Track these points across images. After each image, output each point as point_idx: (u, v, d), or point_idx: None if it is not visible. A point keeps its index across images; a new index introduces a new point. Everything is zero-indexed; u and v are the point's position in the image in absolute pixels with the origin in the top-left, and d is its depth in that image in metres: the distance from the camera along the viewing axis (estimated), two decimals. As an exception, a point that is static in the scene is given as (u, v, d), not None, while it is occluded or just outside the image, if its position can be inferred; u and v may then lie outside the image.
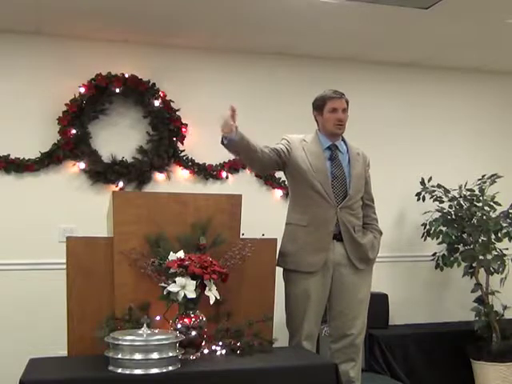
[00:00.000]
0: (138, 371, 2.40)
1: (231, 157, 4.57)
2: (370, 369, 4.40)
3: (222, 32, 4.31)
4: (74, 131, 4.25)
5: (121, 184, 4.35)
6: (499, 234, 4.49)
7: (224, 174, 4.57)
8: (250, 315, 2.86)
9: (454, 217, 4.62)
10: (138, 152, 4.44)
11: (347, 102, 3.34)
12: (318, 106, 3.34)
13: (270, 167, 3.31)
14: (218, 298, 2.70)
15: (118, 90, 4.33)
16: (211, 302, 2.68)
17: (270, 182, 4.67)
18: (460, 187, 4.65)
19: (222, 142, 3.05)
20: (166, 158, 4.44)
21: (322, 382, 2.63)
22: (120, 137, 4.40)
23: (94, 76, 4.30)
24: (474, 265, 4.57)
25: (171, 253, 2.74)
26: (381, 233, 3.43)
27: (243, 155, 3.17)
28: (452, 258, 4.59)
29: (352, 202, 3.28)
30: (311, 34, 4.34)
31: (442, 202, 4.66)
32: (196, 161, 4.53)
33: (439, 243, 4.63)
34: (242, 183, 4.61)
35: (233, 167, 4.60)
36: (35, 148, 4.22)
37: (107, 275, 2.82)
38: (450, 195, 4.64)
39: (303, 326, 3.21)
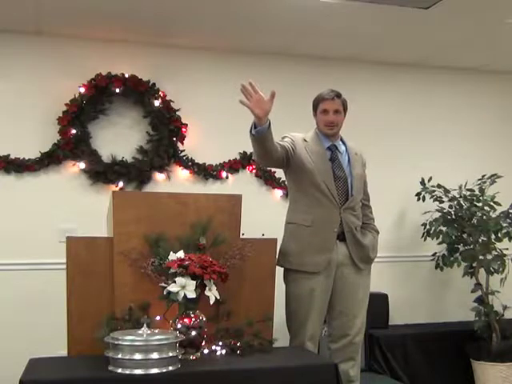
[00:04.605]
0: (138, 371, 2.40)
1: (231, 157, 4.61)
2: (370, 369, 4.40)
3: (222, 32, 4.31)
4: (74, 131, 4.25)
5: (121, 184, 4.35)
6: (499, 234, 4.49)
7: (224, 173, 4.57)
8: (250, 315, 2.85)
9: (454, 217, 4.62)
10: (138, 152, 4.44)
11: (343, 103, 3.31)
12: (313, 106, 3.35)
13: (277, 163, 3.23)
14: (218, 298, 2.69)
15: (118, 90, 4.33)
16: (211, 302, 2.68)
17: (270, 181, 4.67)
18: (460, 187, 4.65)
19: (251, 132, 2.92)
20: (166, 158, 4.44)
21: (321, 382, 2.63)
22: (120, 137, 4.41)
23: (94, 76, 4.30)
24: (474, 265, 4.57)
25: (171, 253, 2.74)
26: (378, 232, 3.43)
27: (264, 147, 2.98)
28: (452, 258, 4.59)
29: (354, 202, 3.28)
30: (311, 34, 4.34)
31: (442, 202, 4.66)
32: (196, 161, 4.53)
33: (439, 243, 4.63)
34: (241, 183, 4.61)
35: (233, 167, 4.60)
36: (35, 148, 4.23)
37: (107, 275, 2.81)
38: (450, 195, 4.64)
39: (306, 327, 3.19)
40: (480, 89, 5.19)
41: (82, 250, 2.82)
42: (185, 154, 4.51)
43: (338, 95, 3.29)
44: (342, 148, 3.37)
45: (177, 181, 4.49)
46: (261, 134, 2.90)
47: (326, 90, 3.31)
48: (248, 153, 4.55)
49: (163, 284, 2.67)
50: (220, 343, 2.78)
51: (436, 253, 4.72)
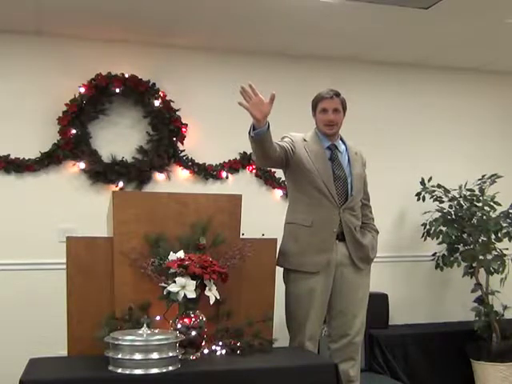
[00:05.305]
0: (138, 371, 2.40)
1: (231, 157, 4.61)
2: (370, 369, 4.40)
3: (221, 32, 4.31)
4: (74, 131, 4.25)
5: (121, 184, 4.35)
6: (499, 234, 4.49)
7: (224, 173, 4.57)
8: (250, 315, 2.85)
9: (454, 217, 4.62)
10: (138, 152, 4.44)
11: (343, 102, 3.30)
12: (312, 106, 3.34)
13: (276, 164, 3.23)
14: (218, 298, 2.69)
15: (118, 90, 4.33)
16: (211, 302, 2.68)
17: (270, 181, 4.67)
18: (460, 187, 4.66)
19: (249, 134, 2.91)
20: (166, 158, 4.44)
21: (322, 382, 2.63)
22: (120, 137, 4.41)
23: (94, 76, 4.30)
24: (474, 265, 4.57)
25: (171, 253, 2.74)
26: (377, 232, 3.43)
27: (263, 148, 2.97)
28: (452, 258, 4.60)
29: (354, 203, 3.27)
30: (311, 34, 4.34)
31: (442, 202, 4.67)
32: (196, 161, 4.53)
33: (439, 243, 4.63)
34: (241, 183, 4.61)
35: (233, 167, 4.60)
36: (35, 148, 4.23)
37: (107, 275, 2.81)
38: (450, 195, 4.64)
39: (306, 327, 3.19)
40: (480, 89, 5.19)
41: (82, 250, 2.82)
42: (185, 153, 4.51)
43: (337, 94, 3.29)
44: (342, 147, 3.36)
45: (177, 181, 4.49)
46: (260, 136, 2.89)
47: (325, 90, 3.31)
48: (248, 153, 4.54)
49: (163, 284, 2.67)
50: (220, 343, 2.78)
51: (436, 253, 4.72)
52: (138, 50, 4.44)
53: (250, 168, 4.64)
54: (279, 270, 3.22)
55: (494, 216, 4.53)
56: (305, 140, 3.30)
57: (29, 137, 4.23)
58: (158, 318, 2.72)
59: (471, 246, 4.56)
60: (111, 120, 4.41)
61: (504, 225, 4.51)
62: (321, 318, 3.26)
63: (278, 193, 4.68)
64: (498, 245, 4.53)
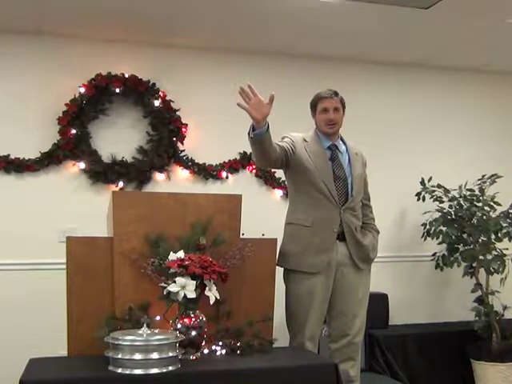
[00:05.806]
0: (137, 371, 2.40)
1: (231, 157, 4.61)
2: (370, 369, 4.40)
3: (222, 32, 4.31)
4: (73, 131, 4.26)
5: (121, 184, 4.35)
6: (499, 234, 4.49)
7: (224, 173, 4.57)
8: (250, 315, 2.85)
9: (454, 217, 4.62)
10: (138, 152, 4.44)
11: (342, 101, 3.31)
12: (312, 106, 3.34)
13: (276, 164, 3.22)
14: (218, 298, 2.70)
15: (118, 90, 4.34)
16: (211, 302, 2.68)
17: (270, 181, 4.67)
18: (460, 187, 4.66)
19: (249, 135, 2.91)
20: (166, 158, 4.44)
21: (322, 382, 2.63)
22: (120, 137, 4.41)
23: (94, 76, 4.30)
24: (474, 265, 4.57)
25: (171, 253, 2.74)
26: (378, 232, 3.43)
27: (262, 149, 2.97)
28: (452, 258, 4.60)
29: (354, 203, 3.27)
30: (311, 34, 4.34)
31: (442, 202, 4.67)
32: (196, 161, 4.53)
33: (439, 243, 4.63)
34: (241, 183, 4.61)
35: (233, 167, 4.60)
36: (35, 148, 4.23)
37: (107, 275, 2.81)
38: (450, 195, 4.64)
39: (306, 327, 3.19)
40: (480, 89, 5.19)
41: (82, 250, 2.82)
42: (185, 154, 4.51)
43: (336, 93, 3.30)
44: (343, 147, 3.36)
45: (177, 181, 4.49)
46: (259, 136, 2.89)
47: (324, 89, 3.31)
48: (248, 153, 4.54)
49: (163, 284, 2.67)
50: (220, 343, 2.78)
51: (436, 253, 4.72)
52: (138, 50, 4.44)
53: (250, 168, 4.64)
54: (279, 270, 3.22)
55: (493, 216, 4.53)
56: (305, 140, 3.29)
57: (29, 137, 4.23)
58: (158, 318, 2.71)
59: (471, 246, 4.56)
60: (111, 120, 4.41)
61: (504, 225, 4.51)
62: (321, 318, 3.26)
63: (278, 193, 4.68)
64: (498, 245, 4.53)
